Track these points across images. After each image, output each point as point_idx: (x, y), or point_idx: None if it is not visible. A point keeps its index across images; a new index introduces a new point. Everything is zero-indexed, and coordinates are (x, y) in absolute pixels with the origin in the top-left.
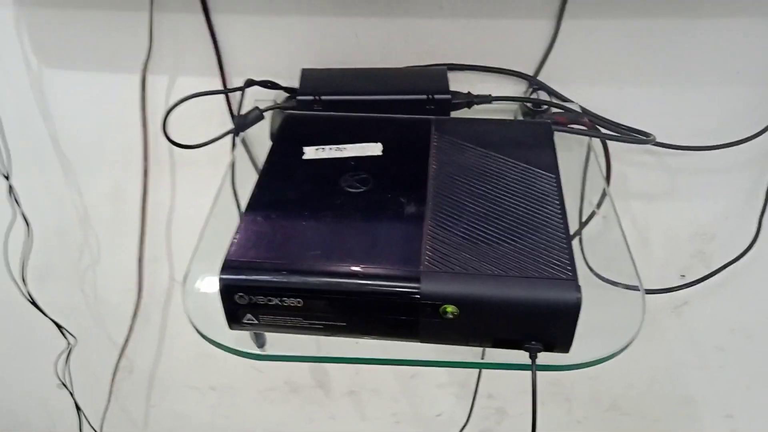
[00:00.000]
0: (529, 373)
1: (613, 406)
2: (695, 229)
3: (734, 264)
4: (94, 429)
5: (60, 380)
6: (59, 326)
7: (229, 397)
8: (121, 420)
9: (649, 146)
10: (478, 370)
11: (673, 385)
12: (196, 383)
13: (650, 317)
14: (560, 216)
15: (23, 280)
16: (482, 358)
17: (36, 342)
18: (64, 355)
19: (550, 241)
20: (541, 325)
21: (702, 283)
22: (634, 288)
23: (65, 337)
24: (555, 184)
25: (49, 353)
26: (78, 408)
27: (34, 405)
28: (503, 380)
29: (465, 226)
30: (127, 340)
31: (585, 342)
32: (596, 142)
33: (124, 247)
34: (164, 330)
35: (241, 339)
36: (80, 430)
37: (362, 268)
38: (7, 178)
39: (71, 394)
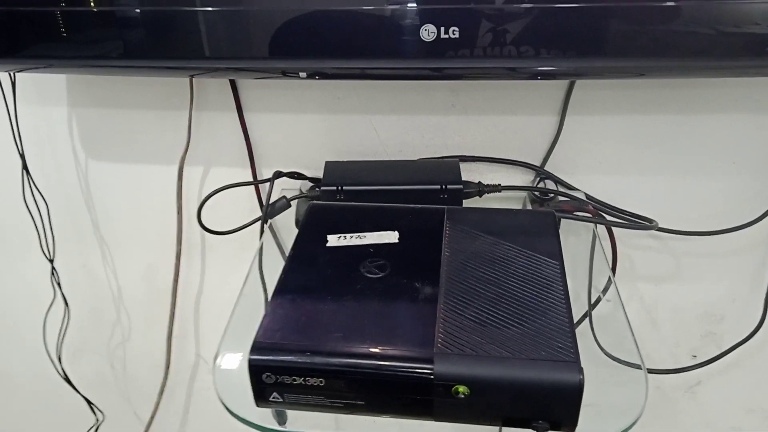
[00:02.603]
0: None
1: None
2: (703, 311)
3: (744, 345)
4: None
5: None
6: (89, 402)
7: None
8: None
9: (652, 231)
10: None
11: None
12: None
13: (664, 397)
14: (563, 301)
15: (59, 357)
16: None
17: (65, 418)
18: None
19: (554, 325)
20: (546, 405)
21: (714, 364)
22: (637, 367)
23: (94, 414)
24: (559, 271)
25: (77, 430)
26: None
27: None
28: None
29: (475, 310)
30: (152, 417)
31: (595, 419)
32: (602, 228)
33: (154, 325)
34: (188, 406)
35: (265, 416)
36: None
37: (380, 350)
38: (51, 261)
39: None
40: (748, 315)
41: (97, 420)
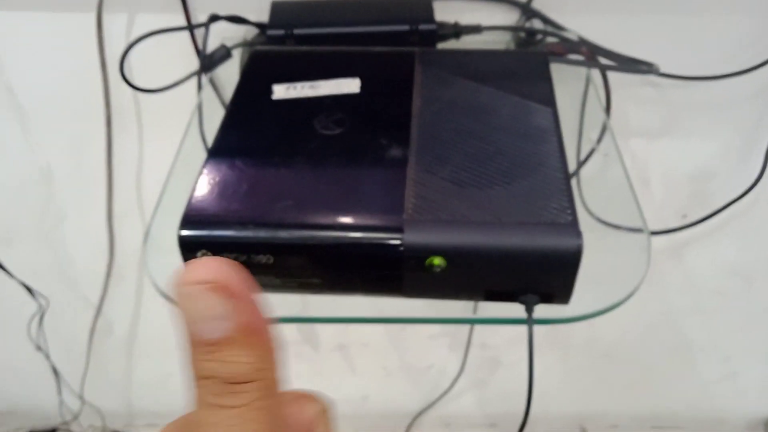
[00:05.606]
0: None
1: (609, 352)
2: (697, 167)
3: (737, 203)
4: (75, 393)
5: (35, 345)
6: (29, 289)
7: None
8: (103, 382)
9: (651, 79)
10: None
11: (669, 330)
12: (178, 341)
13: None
14: (558, 154)
15: None
16: (474, 313)
17: (5, 308)
18: (37, 319)
19: (548, 182)
20: (538, 276)
21: (703, 224)
22: (638, 230)
23: (37, 300)
24: (552, 119)
25: (20, 319)
26: (56, 372)
27: (9, 373)
28: (496, 329)
29: (453, 168)
30: (102, 300)
31: (585, 291)
32: (595, 75)
33: (92, 203)
34: (141, 288)
35: None
36: (60, 394)
37: (339, 218)
38: None
39: (47, 358)
40: (744, 171)
41: (41, 306)
